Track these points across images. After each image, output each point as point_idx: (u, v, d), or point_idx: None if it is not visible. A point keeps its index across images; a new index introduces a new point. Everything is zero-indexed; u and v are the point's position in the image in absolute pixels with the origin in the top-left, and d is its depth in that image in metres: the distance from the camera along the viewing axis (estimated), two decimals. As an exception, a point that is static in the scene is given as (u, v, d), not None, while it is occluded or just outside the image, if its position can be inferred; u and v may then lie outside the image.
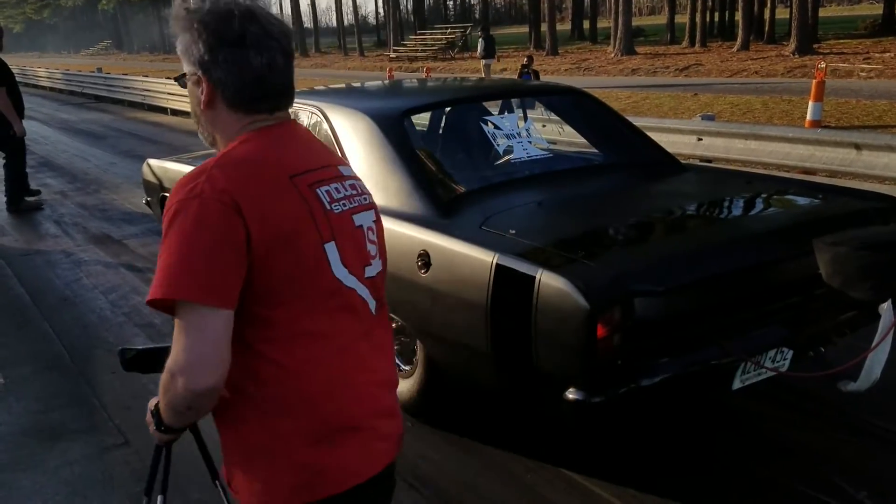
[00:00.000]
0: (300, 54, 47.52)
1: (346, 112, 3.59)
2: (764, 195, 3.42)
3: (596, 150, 4.18)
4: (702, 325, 2.66)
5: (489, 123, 3.79)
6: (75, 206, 8.15)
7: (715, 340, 2.62)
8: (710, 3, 32.70)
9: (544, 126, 4.47)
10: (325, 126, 3.64)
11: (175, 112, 16.40)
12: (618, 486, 2.82)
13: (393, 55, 37.40)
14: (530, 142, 3.76)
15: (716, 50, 28.02)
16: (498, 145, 3.70)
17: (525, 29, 44.69)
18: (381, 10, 56.63)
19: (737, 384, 2.71)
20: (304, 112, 3.84)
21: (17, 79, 8.11)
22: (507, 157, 3.68)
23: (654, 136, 7.02)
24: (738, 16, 29.25)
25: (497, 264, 2.59)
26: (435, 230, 2.91)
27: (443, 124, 4.42)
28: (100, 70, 24.25)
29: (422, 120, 4.47)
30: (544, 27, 34.36)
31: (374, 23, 68.48)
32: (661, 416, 3.28)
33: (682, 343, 2.61)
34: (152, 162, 5.60)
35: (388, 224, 2.99)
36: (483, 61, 20.56)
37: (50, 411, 3.59)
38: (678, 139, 6.85)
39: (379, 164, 3.29)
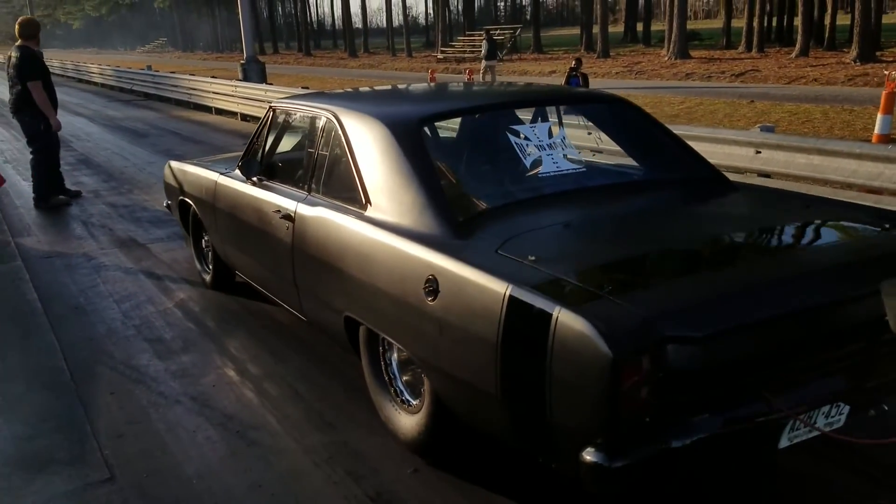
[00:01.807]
0: (349, 55, 47.66)
1: (361, 118, 3.34)
2: (824, 223, 3.00)
3: (637, 165, 3.76)
4: (747, 376, 2.27)
5: (517, 133, 3.42)
6: (105, 206, 7.99)
7: (760, 394, 2.23)
8: (768, 7, 31.67)
9: (589, 133, 4.04)
10: (339, 132, 3.40)
11: (220, 111, 16.34)
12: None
13: (440, 56, 37.18)
14: (563, 154, 3.40)
15: (773, 55, 27.09)
16: (525, 157, 3.34)
17: (576, 31, 44.01)
18: (430, 11, 56.46)
19: (784, 443, 2.35)
20: (319, 117, 3.64)
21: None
22: (535, 171, 3.32)
23: (708, 147, 6.57)
24: (798, 20, 28.23)
25: (510, 296, 2.27)
26: (445, 253, 2.60)
27: (466, 134, 4.09)
28: (149, 68, 24.42)
29: (447, 128, 4.18)
30: (596, 29, 33.72)
31: (424, 23, 68.37)
32: (698, 480, 2.84)
33: (723, 397, 2.22)
34: (173, 164, 5.41)
35: (397, 243, 2.84)
36: (484, 62, 20.87)
37: (38, 437, 3.32)
38: (734, 151, 6.36)
39: (392, 175, 3.03)
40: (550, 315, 2.13)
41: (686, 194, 3.38)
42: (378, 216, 3.02)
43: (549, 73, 27.64)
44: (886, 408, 2.45)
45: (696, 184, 3.48)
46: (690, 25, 35.22)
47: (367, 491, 2.84)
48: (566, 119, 3.89)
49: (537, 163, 3.33)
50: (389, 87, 4.77)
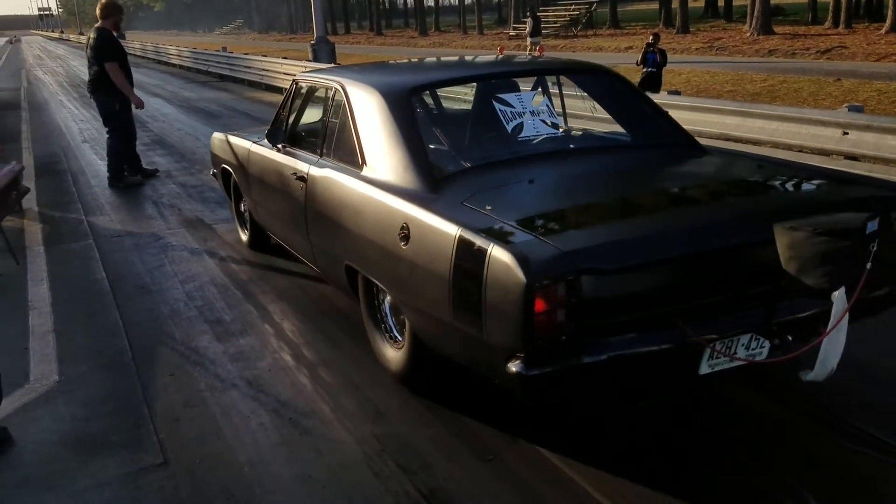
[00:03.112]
0: (419, 33, 47.54)
1: (361, 87, 3.72)
2: (762, 180, 3.32)
3: (623, 131, 4.05)
4: (662, 307, 2.58)
5: (504, 101, 3.75)
6: (176, 186, 8.11)
7: (674, 322, 2.55)
8: (859, -21, 30.01)
9: (583, 101, 4.34)
10: (345, 101, 3.76)
11: (289, 91, 16.43)
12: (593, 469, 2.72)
13: (513, 33, 36.66)
14: (543, 120, 3.75)
15: (861, 32, 25.63)
16: (508, 123, 3.69)
17: (655, 6, 42.72)
18: (503, -11, 55.71)
19: (704, 369, 2.65)
20: (330, 88, 4.02)
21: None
22: (515, 135, 3.67)
23: (792, 127, 6.21)
24: (891, -8, 26.62)
25: (459, 237, 2.65)
26: (418, 205, 2.98)
27: (458, 101, 4.58)
28: (224, 49, 24.85)
29: (449, 97, 4.60)
30: (675, 4, 32.62)
31: (496, 0, 67.61)
32: (635, 399, 3.21)
33: (637, 323, 2.55)
34: (217, 135, 5.83)
35: (382, 197, 3.23)
36: (530, 39, 21.60)
37: (95, 418, 3.33)
38: (820, 132, 5.97)
39: (384, 137, 3.41)
40: (486, 250, 2.50)
41: (649, 157, 3.70)
42: (371, 175, 3.41)
43: (625, 48, 26.89)
44: (790, 338, 2.65)
45: (665, 147, 3.79)
46: (774, 0, 33.68)
47: (419, 487, 2.74)
48: (565, 90, 4.26)
49: (519, 127, 3.68)
50: (403, 61, 5.30)
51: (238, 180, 5.35)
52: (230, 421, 3.25)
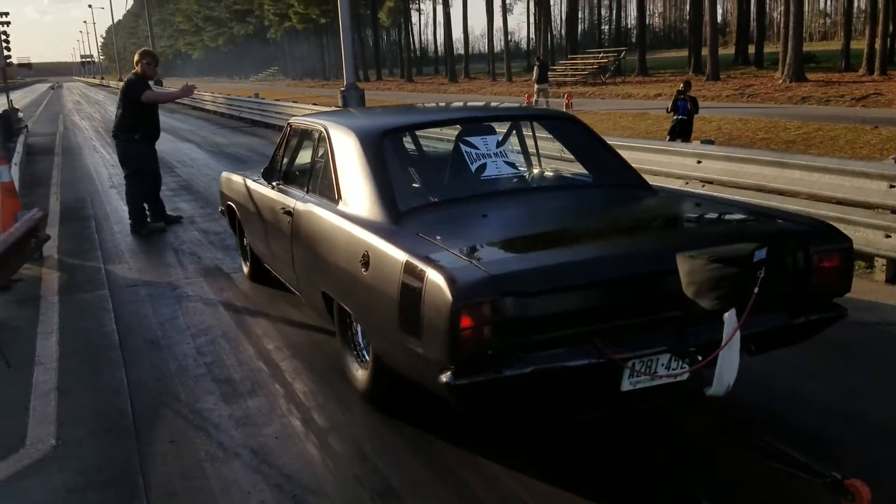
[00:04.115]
0: (449, 80, 48.01)
1: (341, 129, 4.10)
2: (685, 216, 3.67)
3: (583, 170, 4.34)
4: (582, 327, 2.82)
5: (470, 144, 4.09)
6: (198, 233, 8.01)
7: (590, 340, 2.78)
8: (891, 28, 29.68)
9: (552, 143, 4.59)
10: (327, 142, 4.13)
11: (318, 137, 16.48)
12: None
13: (542, 81, 36.73)
14: (505, 161, 4.08)
15: (898, 77, 25.26)
16: (473, 163, 4.02)
17: (684, 53, 42.72)
18: (532, 36, 56.27)
19: (626, 386, 2.88)
20: (316, 130, 4.40)
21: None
22: (478, 174, 3.98)
23: (834, 179, 5.91)
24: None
25: (405, 262, 2.93)
26: (379, 235, 3.28)
27: (428, 142, 5.01)
28: (256, 95, 25.17)
29: (427, 138, 4.99)
30: (705, 51, 32.54)
31: (526, 48, 68.30)
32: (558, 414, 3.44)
33: (560, 341, 2.78)
34: (224, 174, 6.30)
35: (350, 228, 3.53)
36: (536, 86, 22.58)
37: (88, 489, 3.11)
38: (864, 184, 5.64)
39: (357, 174, 3.75)
40: (425, 273, 2.77)
41: (595, 195, 4.06)
42: (344, 209, 3.74)
43: (654, 96, 26.76)
44: (700, 358, 2.83)
45: (615, 187, 4.10)
46: (806, 47, 33.40)
47: (429, 581, 2.48)
48: (538, 133, 4.57)
49: (482, 168, 4.01)
50: (387, 106, 5.89)
51: (240, 216, 5.76)
52: (229, 497, 3.01)
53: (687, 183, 7.18)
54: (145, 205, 8.26)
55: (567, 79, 35.57)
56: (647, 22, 56.74)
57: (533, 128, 4.59)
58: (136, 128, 7.85)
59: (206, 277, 6.28)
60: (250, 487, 3.07)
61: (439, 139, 5.28)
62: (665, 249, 2.85)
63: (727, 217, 3.56)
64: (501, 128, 4.53)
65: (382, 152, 3.78)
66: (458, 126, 4.30)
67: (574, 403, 3.33)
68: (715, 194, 5.99)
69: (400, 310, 2.91)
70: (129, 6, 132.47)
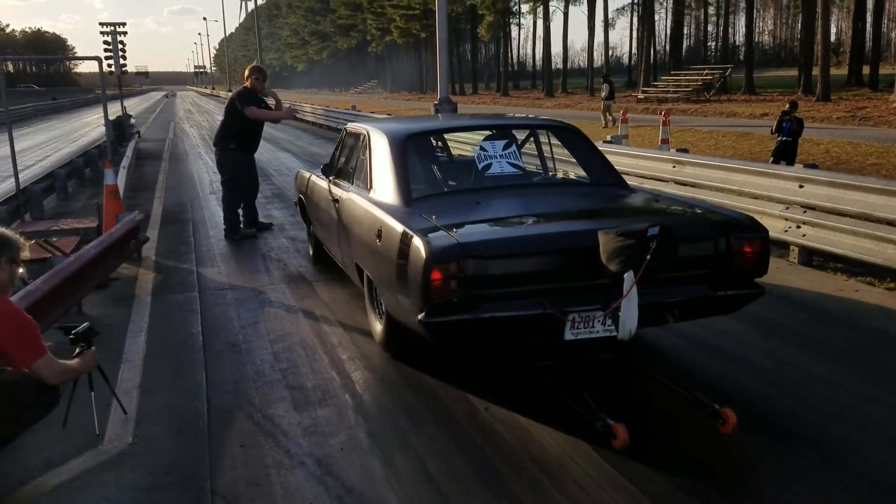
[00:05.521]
0: (545, 95, 47.71)
1: (378, 133, 5.00)
2: (632, 206, 4.54)
3: (582, 172, 5.16)
4: (531, 286, 3.61)
5: (481, 147, 4.85)
6: (286, 240, 8.20)
7: (537, 297, 3.58)
8: None
9: (561, 148, 5.55)
10: (367, 142, 5.06)
11: (411, 149, 16.64)
12: None
13: (641, 95, 36.06)
14: (509, 162, 4.81)
15: None
16: (481, 163, 4.80)
17: (794, 72, 41.04)
18: (635, 51, 55.27)
19: (569, 336, 3.62)
20: (361, 133, 5.32)
21: None
22: (484, 172, 4.77)
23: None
24: None
25: (402, 232, 3.82)
26: (390, 214, 4.17)
27: (448, 144, 6.24)
28: (353, 107, 25.72)
29: (451, 141, 6.30)
30: (816, 71, 31.12)
31: (628, 63, 67.21)
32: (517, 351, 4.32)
33: (513, 296, 3.60)
34: (298, 171, 7.63)
35: (372, 210, 4.46)
36: (604, 103, 23.99)
37: (156, 490, 3.19)
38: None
39: (386, 168, 4.65)
40: (412, 239, 3.66)
41: (576, 191, 4.87)
42: (374, 196, 4.64)
43: (759, 115, 25.73)
44: (620, 312, 3.43)
45: (597, 185, 4.88)
46: (928, 66, 31.42)
47: None
48: (541, 140, 5.60)
49: (488, 166, 4.78)
50: (423, 115, 7.05)
51: (307, 206, 6.84)
52: (291, 506, 3.02)
53: (788, 208, 6.82)
54: (240, 211, 8.52)
55: (669, 95, 34.67)
56: (755, 39, 54.84)
57: (536, 136, 5.62)
58: (233, 138, 8.13)
59: (289, 284, 6.39)
60: (312, 498, 3.07)
61: (465, 143, 6.38)
62: (597, 229, 3.54)
63: (665, 209, 4.36)
64: (522, 135, 5.52)
65: (406, 151, 4.70)
66: (474, 132, 5.28)
67: (528, 348, 4.19)
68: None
69: (396, 269, 3.79)
70: (241, 20, 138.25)
